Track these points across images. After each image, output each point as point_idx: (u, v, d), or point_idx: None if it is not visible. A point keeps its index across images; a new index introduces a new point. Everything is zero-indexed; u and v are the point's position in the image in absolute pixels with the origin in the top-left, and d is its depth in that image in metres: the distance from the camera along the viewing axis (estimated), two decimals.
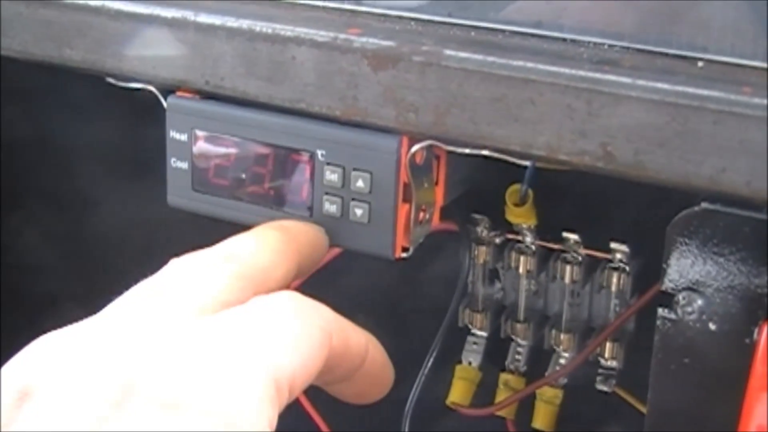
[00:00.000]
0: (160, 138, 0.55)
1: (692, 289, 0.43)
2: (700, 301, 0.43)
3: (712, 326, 0.43)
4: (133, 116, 0.77)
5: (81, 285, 0.86)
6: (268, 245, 0.45)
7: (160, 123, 0.58)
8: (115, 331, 0.38)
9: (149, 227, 0.81)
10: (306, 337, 0.39)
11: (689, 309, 0.43)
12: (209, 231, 0.64)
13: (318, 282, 0.61)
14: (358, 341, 0.43)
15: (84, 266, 0.86)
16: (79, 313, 0.86)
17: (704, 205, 0.43)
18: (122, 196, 0.82)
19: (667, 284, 0.44)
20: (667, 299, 0.44)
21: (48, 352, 0.38)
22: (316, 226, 0.50)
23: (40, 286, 0.86)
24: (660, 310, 0.44)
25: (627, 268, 0.62)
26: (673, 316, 0.44)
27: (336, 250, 0.58)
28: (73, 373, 0.37)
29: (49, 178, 0.84)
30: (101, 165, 0.82)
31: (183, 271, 0.42)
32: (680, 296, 0.44)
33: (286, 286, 0.45)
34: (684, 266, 0.44)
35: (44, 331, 0.86)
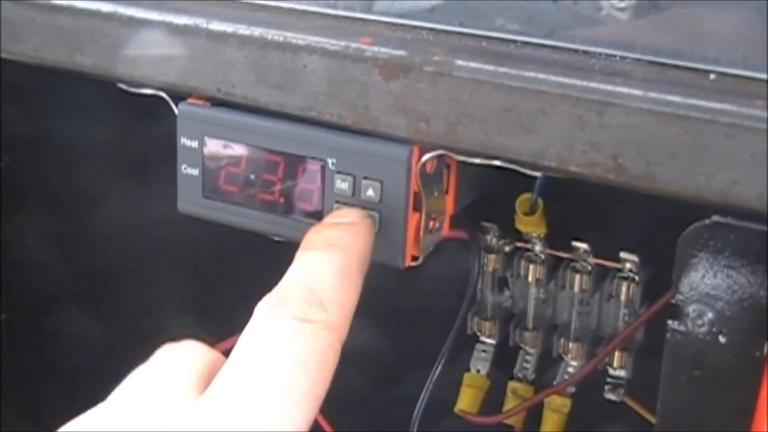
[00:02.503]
0: (160, 139, 0.55)
1: (702, 301, 0.43)
2: (710, 314, 0.43)
3: (722, 339, 0.43)
4: (133, 117, 0.77)
5: (81, 285, 0.86)
6: (351, 288, 0.45)
7: (161, 124, 0.58)
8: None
9: (149, 227, 0.81)
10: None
11: (699, 322, 0.43)
12: (208, 232, 0.64)
13: None
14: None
15: (84, 266, 0.86)
16: (79, 313, 0.87)
17: (715, 218, 0.43)
18: (122, 196, 0.82)
19: (678, 297, 0.44)
20: (677, 311, 0.44)
21: None
22: (367, 221, 0.48)
23: (40, 286, 0.86)
24: (670, 323, 0.44)
25: (636, 278, 0.62)
26: (683, 328, 0.44)
27: None
28: None
29: (49, 178, 0.84)
30: (101, 165, 0.82)
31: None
32: (690, 309, 0.43)
33: None
34: (694, 279, 0.43)
35: (44, 331, 0.86)
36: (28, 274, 0.86)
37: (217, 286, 0.79)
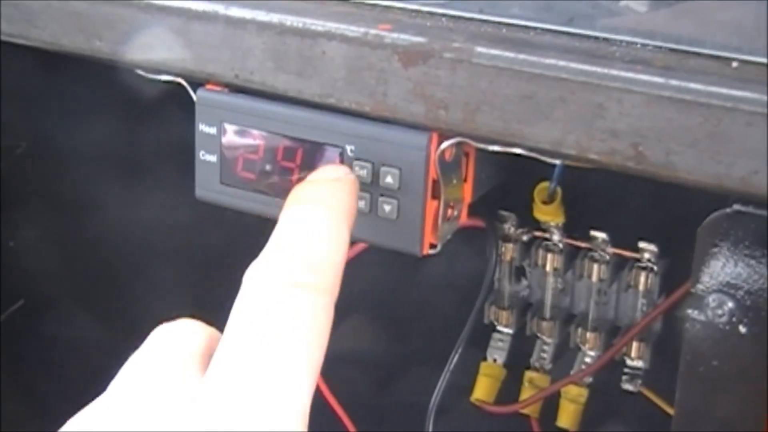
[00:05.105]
0: (160, 140, 0.55)
1: (723, 291, 0.43)
2: (730, 304, 0.43)
3: (742, 329, 0.43)
4: (134, 117, 0.77)
5: (81, 286, 0.86)
6: (340, 245, 0.43)
7: (161, 125, 0.58)
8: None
9: (148, 228, 0.81)
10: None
11: (719, 311, 0.43)
12: (209, 232, 0.64)
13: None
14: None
15: (83, 267, 0.86)
16: (78, 313, 0.87)
17: (736, 207, 0.42)
18: (122, 197, 0.82)
19: (697, 286, 0.44)
20: (697, 301, 0.44)
21: None
22: (351, 177, 0.47)
23: (40, 287, 0.86)
24: (689, 312, 0.44)
25: (655, 268, 0.61)
26: (702, 317, 0.44)
27: (362, 246, 0.58)
28: None
29: (48, 179, 0.84)
30: (101, 166, 0.82)
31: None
32: (710, 298, 0.43)
33: None
34: (715, 268, 0.43)
35: (44, 332, 0.86)
36: (27, 275, 0.86)
37: (218, 287, 0.79)
